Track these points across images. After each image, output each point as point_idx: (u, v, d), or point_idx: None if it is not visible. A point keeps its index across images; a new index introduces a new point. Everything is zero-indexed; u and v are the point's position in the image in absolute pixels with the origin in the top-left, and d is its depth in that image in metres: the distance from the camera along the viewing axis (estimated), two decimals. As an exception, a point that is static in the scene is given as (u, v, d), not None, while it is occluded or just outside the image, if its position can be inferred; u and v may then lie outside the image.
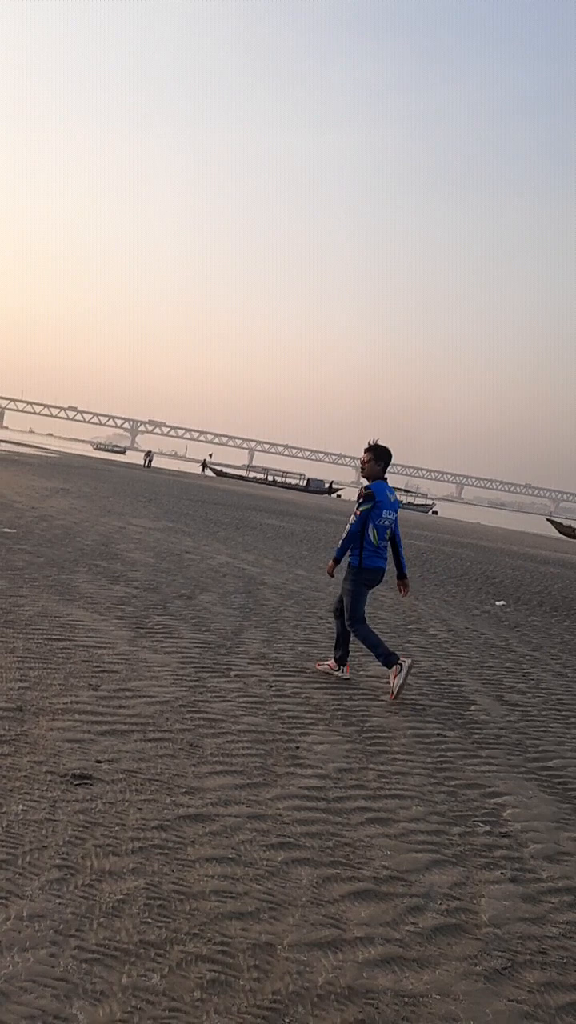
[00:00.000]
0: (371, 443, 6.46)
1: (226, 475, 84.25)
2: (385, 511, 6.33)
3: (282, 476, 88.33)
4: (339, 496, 79.61)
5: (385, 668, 6.23)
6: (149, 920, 2.66)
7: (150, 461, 69.13)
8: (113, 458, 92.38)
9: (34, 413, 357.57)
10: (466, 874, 3.41)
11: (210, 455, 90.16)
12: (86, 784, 3.62)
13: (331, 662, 6.53)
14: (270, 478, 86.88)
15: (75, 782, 3.62)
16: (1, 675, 4.96)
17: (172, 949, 2.53)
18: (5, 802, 3.30)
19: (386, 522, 6.33)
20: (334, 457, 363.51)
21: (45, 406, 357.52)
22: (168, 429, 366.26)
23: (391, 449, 6.48)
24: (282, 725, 4.96)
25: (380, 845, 3.54)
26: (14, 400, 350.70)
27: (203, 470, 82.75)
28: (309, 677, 6.27)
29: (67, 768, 3.75)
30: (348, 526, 6.32)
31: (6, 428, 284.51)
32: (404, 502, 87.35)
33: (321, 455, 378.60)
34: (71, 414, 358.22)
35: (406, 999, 2.50)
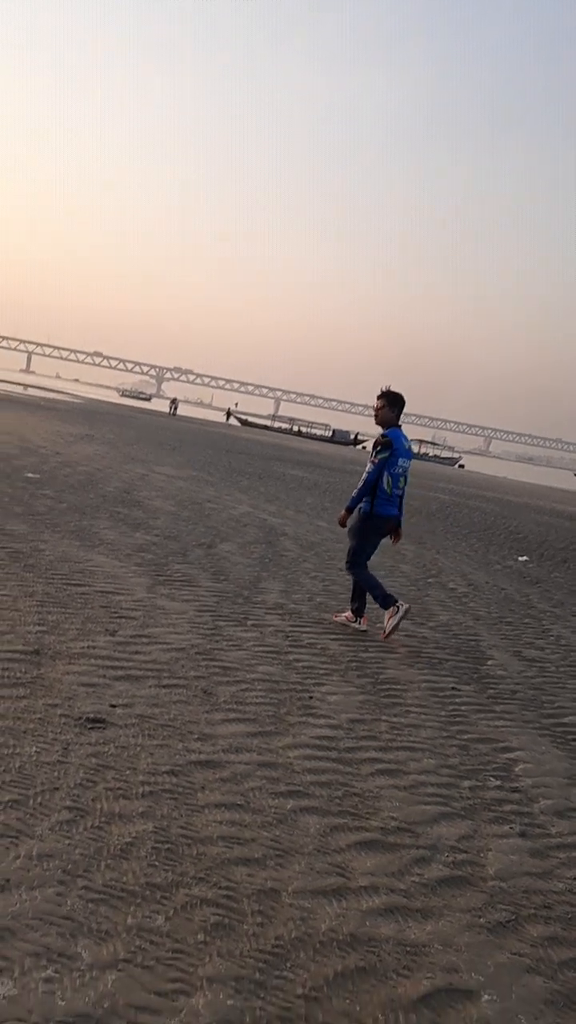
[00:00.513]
0: (383, 389, 6.39)
1: (251, 424, 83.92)
2: (400, 459, 6.31)
3: (307, 426, 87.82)
4: (364, 447, 79.06)
5: (382, 609, 6.37)
6: (156, 863, 2.69)
7: (175, 409, 69.00)
8: (139, 405, 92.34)
9: (61, 358, 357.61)
10: (474, 827, 3.42)
11: (235, 404, 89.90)
12: (99, 728, 3.66)
13: (348, 613, 6.53)
14: (295, 428, 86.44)
15: (89, 726, 3.66)
16: (20, 619, 5.00)
17: (178, 892, 2.56)
18: (19, 744, 3.35)
19: (400, 470, 6.32)
20: (360, 408, 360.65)
21: (72, 351, 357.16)
22: (194, 377, 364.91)
23: (406, 397, 6.39)
24: (296, 675, 4.97)
25: (389, 796, 3.56)
26: (40, 345, 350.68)
27: (227, 419, 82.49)
28: (326, 628, 6.27)
29: (81, 712, 3.79)
30: (365, 474, 6.28)
31: (33, 373, 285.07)
32: (430, 455, 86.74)
33: (348, 405, 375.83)
34: (97, 360, 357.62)
35: (408, 948, 2.52)
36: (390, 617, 6.23)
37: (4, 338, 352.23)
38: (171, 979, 2.17)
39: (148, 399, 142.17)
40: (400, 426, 6.44)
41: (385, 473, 6.25)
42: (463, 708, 4.95)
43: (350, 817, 3.29)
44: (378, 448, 6.28)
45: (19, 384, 76.95)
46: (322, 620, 6.49)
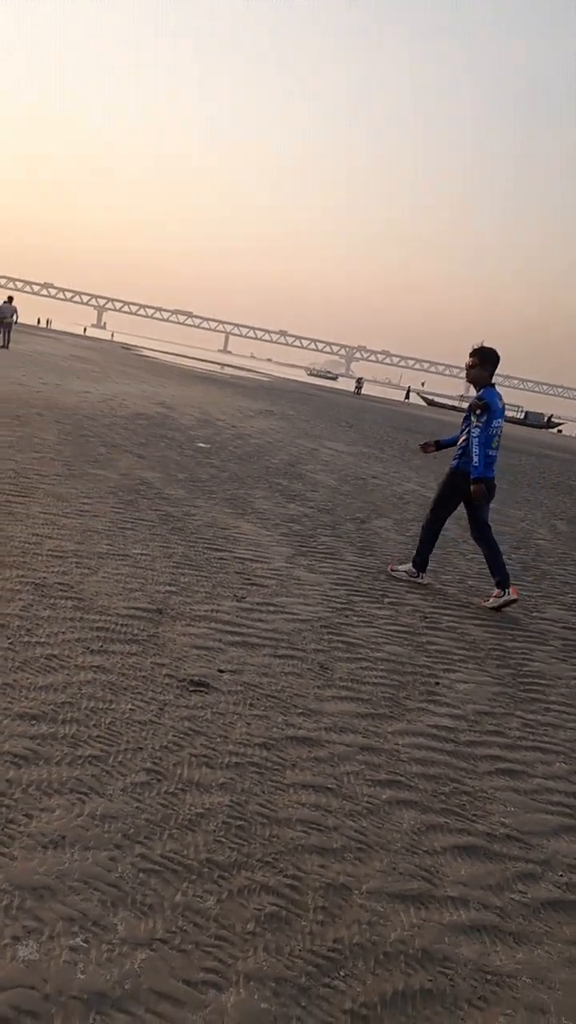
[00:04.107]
0: (476, 347, 6.05)
1: (437, 404, 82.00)
2: (495, 420, 5.96)
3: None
4: (560, 431, 74.91)
5: (412, 566, 6.42)
6: (223, 839, 2.52)
7: (360, 388, 68.89)
8: (324, 384, 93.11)
9: (255, 338, 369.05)
10: (601, 847, 2.97)
11: (423, 383, 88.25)
12: (201, 692, 3.54)
13: (496, 591, 6.06)
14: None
15: (191, 688, 3.55)
16: (153, 578, 5.02)
17: (238, 874, 2.37)
18: (116, 700, 3.30)
19: (495, 431, 5.95)
20: (560, 390, 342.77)
21: (264, 331, 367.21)
22: (383, 356, 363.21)
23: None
24: (426, 658, 4.63)
25: (505, 799, 3.17)
26: (237, 325, 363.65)
27: (406, 397, 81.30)
28: (472, 612, 5.84)
29: (187, 674, 3.69)
30: (474, 440, 5.92)
31: (229, 353, 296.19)
32: None
33: (546, 387, 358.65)
34: (289, 340, 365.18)
35: (489, 976, 2.18)
36: (407, 572, 6.38)
37: (204, 319, 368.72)
38: (205, 968, 1.99)
39: (334, 378, 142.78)
40: (493, 385, 6.09)
41: None
42: (615, 711, 4.39)
43: (453, 817, 2.95)
44: (477, 411, 5.95)
45: (217, 363, 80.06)
46: (470, 604, 6.06)
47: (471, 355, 6.06)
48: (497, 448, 6.09)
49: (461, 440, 6.12)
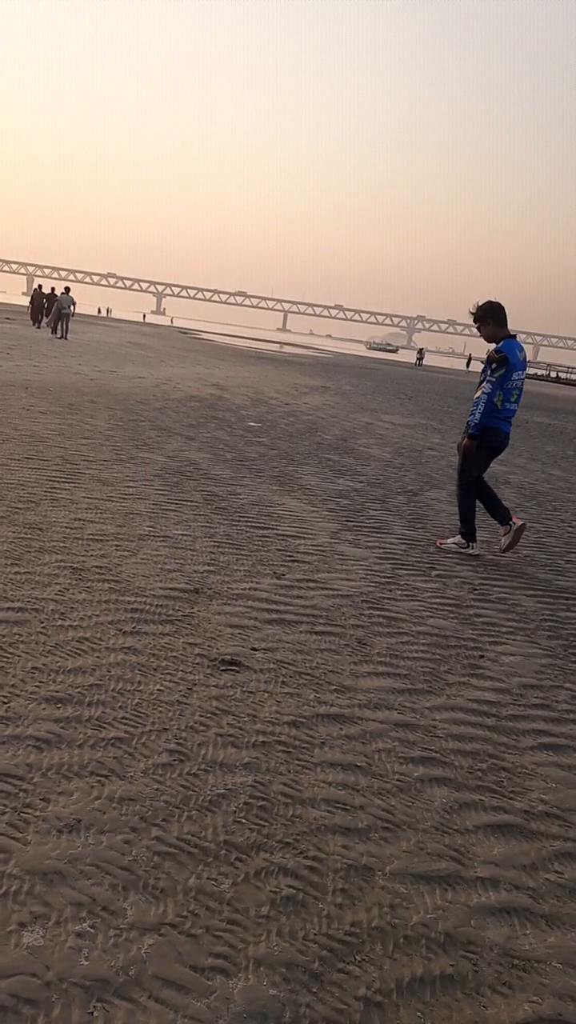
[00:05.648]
0: (472, 311, 5.93)
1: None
2: (515, 373, 5.78)
3: (567, 372, 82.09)
4: None
5: (460, 537, 6.25)
6: (243, 820, 2.46)
7: (421, 359, 67.78)
8: (385, 357, 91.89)
9: (314, 315, 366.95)
10: None
11: (486, 352, 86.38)
12: (232, 671, 3.49)
13: (502, 531, 6.21)
14: (553, 374, 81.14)
15: (222, 667, 3.51)
16: (192, 558, 4.99)
17: (256, 856, 2.31)
18: (144, 681, 3.27)
19: (514, 384, 5.77)
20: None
21: (324, 307, 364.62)
22: (445, 326, 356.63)
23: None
24: (472, 631, 4.48)
25: (546, 775, 3.03)
26: (295, 303, 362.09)
27: (467, 365, 79.77)
28: (525, 582, 5.64)
29: (219, 653, 3.65)
30: (483, 394, 5.83)
31: (288, 331, 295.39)
32: None
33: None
34: (348, 314, 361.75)
35: (516, 961, 2.07)
36: (454, 544, 6.18)
37: (262, 299, 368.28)
38: (214, 954, 1.94)
39: (395, 351, 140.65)
40: (514, 336, 5.93)
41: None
42: None
43: (489, 794, 2.83)
44: (493, 366, 5.82)
45: (275, 343, 79.81)
46: (523, 573, 5.86)
47: (474, 321, 6.00)
48: (517, 402, 6.00)
49: (476, 394, 5.99)
